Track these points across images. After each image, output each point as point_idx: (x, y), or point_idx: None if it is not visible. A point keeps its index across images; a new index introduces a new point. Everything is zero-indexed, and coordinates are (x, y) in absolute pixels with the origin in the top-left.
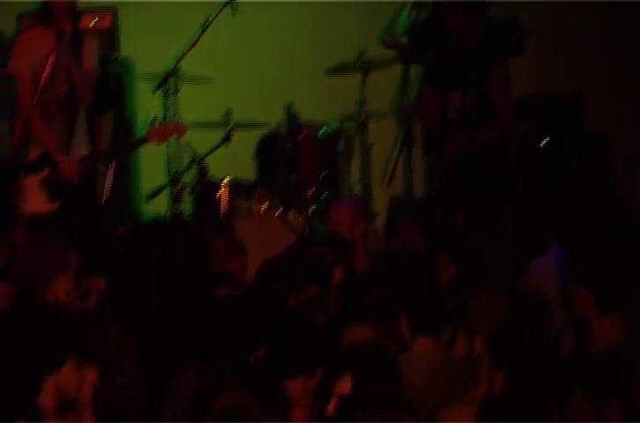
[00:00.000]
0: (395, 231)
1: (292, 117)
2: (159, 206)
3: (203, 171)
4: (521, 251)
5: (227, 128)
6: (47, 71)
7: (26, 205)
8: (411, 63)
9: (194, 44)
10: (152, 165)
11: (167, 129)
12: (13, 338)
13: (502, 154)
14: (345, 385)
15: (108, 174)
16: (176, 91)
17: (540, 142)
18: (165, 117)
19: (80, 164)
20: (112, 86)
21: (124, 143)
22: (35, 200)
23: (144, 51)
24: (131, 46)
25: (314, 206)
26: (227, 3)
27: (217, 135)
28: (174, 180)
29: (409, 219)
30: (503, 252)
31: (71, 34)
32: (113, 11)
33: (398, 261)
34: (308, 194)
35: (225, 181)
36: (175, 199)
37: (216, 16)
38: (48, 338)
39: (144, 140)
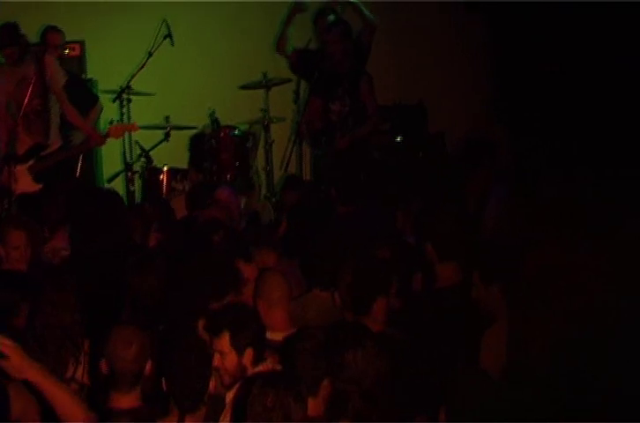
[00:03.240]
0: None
1: (214, 121)
2: (116, 187)
3: (149, 161)
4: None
5: (166, 129)
6: (17, 92)
7: (17, 187)
8: (299, 74)
9: (141, 67)
10: (111, 156)
11: (123, 127)
12: None
13: (369, 146)
14: None
15: (79, 162)
16: (129, 102)
17: (396, 138)
18: (121, 120)
19: (59, 155)
20: (90, 95)
21: (94, 136)
22: (24, 183)
23: (104, 73)
24: (95, 69)
25: None
26: (166, 37)
27: (159, 134)
28: (127, 167)
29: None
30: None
31: (33, 60)
32: (81, 42)
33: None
34: (227, 177)
35: (165, 168)
36: (129, 181)
37: (158, 46)
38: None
39: (106, 136)
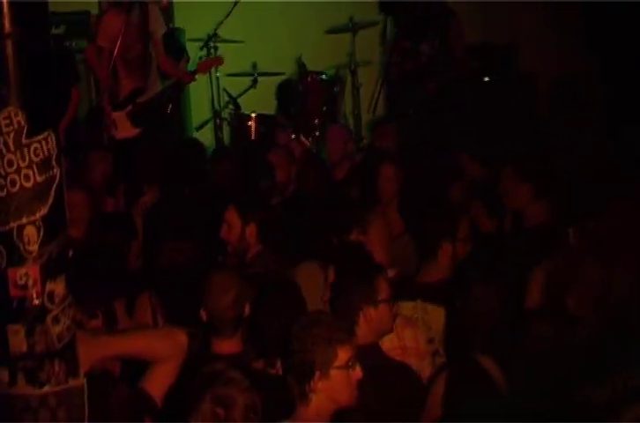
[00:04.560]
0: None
1: (301, 67)
2: (205, 134)
3: (237, 107)
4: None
5: (254, 76)
6: (123, 38)
7: (117, 132)
8: (388, 13)
9: (228, 15)
10: (199, 104)
11: (209, 60)
12: None
13: (461, 85)
14: None
15: (168, 109)
16: (216, 49)
17: (483, 78)
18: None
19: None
20: (178, 46)
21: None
22: (124, 128)
23: (191, 21)
24: (182, 18)
25: (318, 132)
26: None
27: (246, 81)
28: (216, 114)
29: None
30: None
31: (138, 7)
32: None
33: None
34: (315, 122)
35: (253, 114)
36: (218, 129)
37: None
38: None
39: (195, 71)
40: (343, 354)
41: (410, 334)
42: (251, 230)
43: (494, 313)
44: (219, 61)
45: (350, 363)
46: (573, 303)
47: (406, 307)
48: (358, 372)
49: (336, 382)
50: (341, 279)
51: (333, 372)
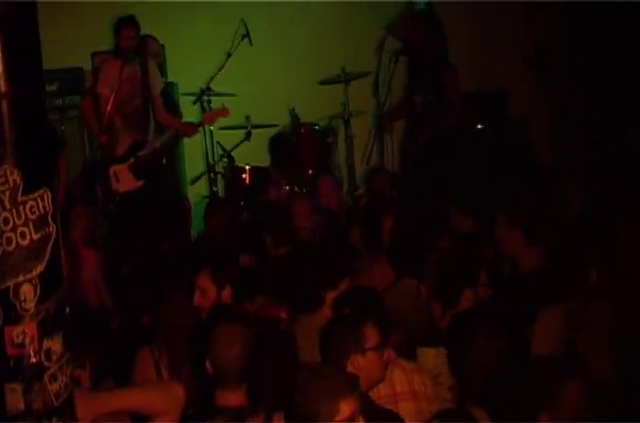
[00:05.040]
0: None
1: (294, 118)
2: (200, 188)
3: (231, 160)
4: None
5: (247, 128)
6: (121, 88)
7: (119, 186)
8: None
9: (221, 68)
10: (193, 158)
11: (215, 112)
12: None
13: (456, 136)
14: None
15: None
16: (209, 103)
17: (476, 125)
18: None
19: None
20: (171, 98)
21: (185, 127)
22: (126, 181)
23: (184, 76)
24: (175, 72)
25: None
26: (244, 37)
27: (240, 134)
28: (210, 168)
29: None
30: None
31: (138, 61)
32: (162, 47)
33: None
34: (309, 173)
35: (247, 167)
36: (212, 182)
37: (237, 46)
38: None
39: (200, 124)
40: (346, 408)
41: (418, 379)
42: (227, 293)
43: (492, 365)
44: (224, 112)
45: (354, 416)
46: (583, 345)
47: (427, 353)
48: None
49: None
50: (329, 327)
51: None
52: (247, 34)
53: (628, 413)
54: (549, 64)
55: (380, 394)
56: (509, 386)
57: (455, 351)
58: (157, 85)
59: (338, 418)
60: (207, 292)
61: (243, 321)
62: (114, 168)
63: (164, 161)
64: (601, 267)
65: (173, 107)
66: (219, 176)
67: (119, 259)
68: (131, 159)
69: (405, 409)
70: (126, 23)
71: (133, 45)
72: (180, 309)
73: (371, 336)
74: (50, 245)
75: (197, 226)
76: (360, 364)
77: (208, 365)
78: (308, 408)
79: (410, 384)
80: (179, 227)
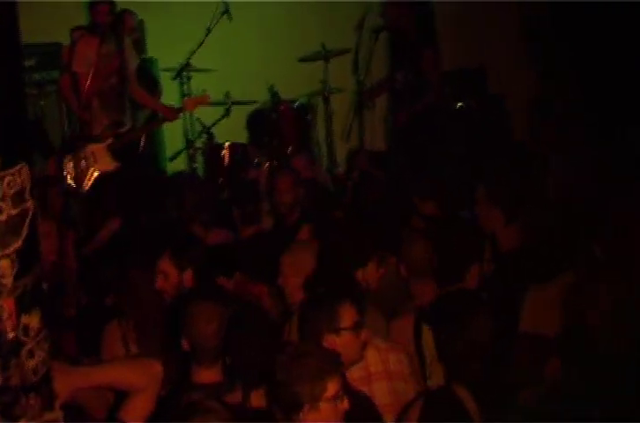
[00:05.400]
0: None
1: (274, 95)
2: (178, 165)
3: (210, 137)
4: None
5: (227, 105)
6: (97, 66)
7: (96, 165)
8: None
9: (200, 44)
10: (172, 134)
11: (196, 99)
12: None
13: (435, 113)
14: None
15: (141, 141)
16: (189, 79)
17: (457, 104)
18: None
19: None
20: (152, 75)
21: (167, 111)
22: (103, 161)
23: (164, 51)
24: (154, 48)
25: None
26: (224, 13)
27: (219, 111)
28: (189, 144)
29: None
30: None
31: (114, 38)
32: (140, 22)
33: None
34: (289, 150)
35: (227, 144)
36: (191, 159)
37: (216, 23)
38: None
39: (182, 109)
40: (332, 386)
41: (394, 358)
42: (188, 276)
43: (484, 344)
44: (205, 99)
45: (338, 395)
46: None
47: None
48: (345, 403)
49: (325, 413)
50: (305, 306)
51: (322, 404)
52: (227, 10)
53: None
54: (538, 34)
55: (353, 376)
56: (493, 364)
57: (446, 329)
58: (132, 63)
59: (324, 396)
60: (169, 276)
61: (220, 298)
62: (91, 148)
63: (142, 143)
64: (604, 242)
65: (152, 83)
66: (199, 153)
67: (88, 239)
68: (109, 140)
69: (379, 389)
70: None
71: (109, 20)
72: (145, 285)
73: (347, 316)
74: (28, 220)
75: None
76: (336, 343)
77: (184, 342)
78: (292, 387)
79: (384, 364)
80: (158, 205)
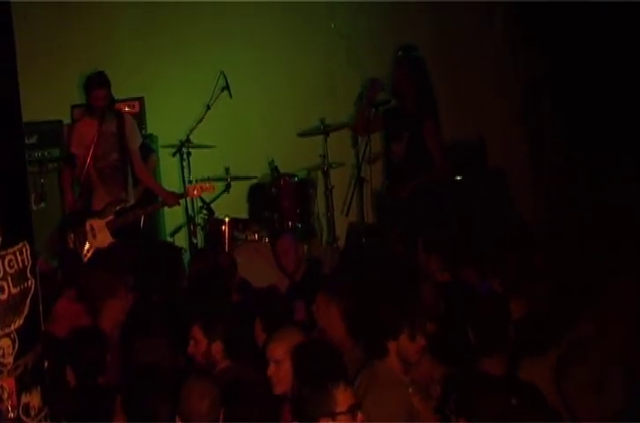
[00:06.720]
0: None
1: (273, 169)
2: (179, 240)
3: (210, 212)
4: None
5: (227, 180)
6: (96, 146)
7: (95, 242)
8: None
9: (200, 121)
10: (172, 210)
11: (202, 186)
12: None
13: (437, 187)
14: None
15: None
16: (189, 155)
17: (455, 177)
18: (182, 173)
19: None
20: (150, 150)
21: (168, 196)
22: (102, 238)
23: (163, 128)
24: (154, 124)
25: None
26: (224, 89)
27: (219, 186)
28: (189, 220)
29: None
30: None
31: (114, 116)
32: (140, 99)
33: None
34: (289, 226)
35: (227, 219)
36: (192, 234)
37: (216, 98)
38: None
39: (183, 195)
40: None
41: None
42: (217, 347)
43: None
44: (209, 188)
45: None
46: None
47: None
48: None
49: None
50: (300, 389)
51: None
52: (226, 87)
53: None
54: (535, 107)
55: None
56: None
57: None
58: (135, 141)
59: None
60: (199, 343)
61: (211, 376)
62: (90, 222)
63: (142, 222)
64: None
65: (145, 152)
66: (199, 228)
67: None
68: (110, 217)
69: None
70: (95, 83)
71: (106, 104)
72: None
73: (342, 399)
74: (29, 299)
75: None
76: None
77: (178, 419)
78: None
79: None
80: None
